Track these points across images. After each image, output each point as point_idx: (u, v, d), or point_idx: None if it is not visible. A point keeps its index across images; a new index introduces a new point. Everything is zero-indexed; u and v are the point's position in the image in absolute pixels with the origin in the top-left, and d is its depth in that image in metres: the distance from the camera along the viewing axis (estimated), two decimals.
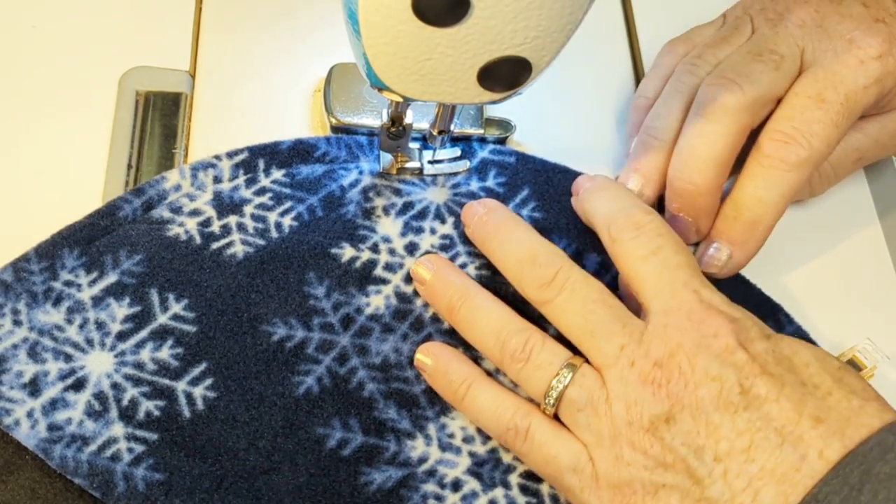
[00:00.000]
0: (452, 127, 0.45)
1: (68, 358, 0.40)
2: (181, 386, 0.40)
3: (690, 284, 0.39)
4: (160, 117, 0.48)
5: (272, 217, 0.44)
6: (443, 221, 0.45)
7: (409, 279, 0.44)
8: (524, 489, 0.41)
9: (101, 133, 0.47)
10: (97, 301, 0.41)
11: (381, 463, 0.40)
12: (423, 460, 0.40)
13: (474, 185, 0.46)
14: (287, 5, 0.53)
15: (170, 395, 0.40)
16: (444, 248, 0.44)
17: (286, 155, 0.46)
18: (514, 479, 0.41)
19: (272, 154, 0.46)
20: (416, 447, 0.41)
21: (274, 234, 0.44)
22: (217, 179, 0.45)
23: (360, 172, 0.46)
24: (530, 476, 0.41)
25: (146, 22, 0.51)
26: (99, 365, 0.40)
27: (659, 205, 0.46)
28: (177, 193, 0.44)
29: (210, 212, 0.44)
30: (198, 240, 0.43)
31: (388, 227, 0.45)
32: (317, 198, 0.45)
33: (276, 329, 0.42)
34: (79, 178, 0.46)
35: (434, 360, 0.41)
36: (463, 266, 0.44)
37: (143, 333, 0.41)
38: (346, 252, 0.44)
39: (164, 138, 0.48)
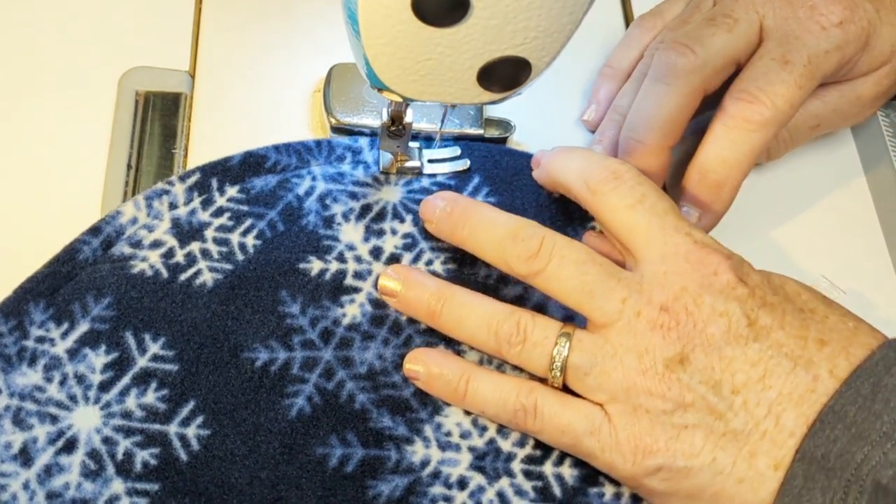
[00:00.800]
0: (451, 127, 0.45)
1: (54, 419, 0.39)
2: (173, 429, 0.40)
3: (681, 228, 0.39)
4: (160, 117, 0.48)
5: (234, 238, 0.44)
6: (402, 220, 0.45)
7: None
8: (528, 474, 0.41)
9: (101, 133, 0.47)
10: (73, 353, 0.40)
11: (385, 473, 0.40)
12: (425, 463, 0.40)
13: (425, 181, 0.46)
14: (287, 5, 0.53)
15: (163, 440, 0.39)
16: (407, 247, 0.44)
17: (238, 170, 0.45)
18: (516, 466, 0.41)
19: (224, 171, 0.45)
20: (417, 451, 0.40)
21: (239, 256, 0.43)
22: (172, 206, 0.44)
23: (314, 178, 0.45)
24: (532, 460, 0.41)
25: (146, 22, 0.51)
26: (86, 421, 0.39)
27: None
28: (134, 227, 0.43)
29: (171, 241, 0.43)
30: (164, 273, 0.42)
31: (351, 233, 0.44)
32: (275, 211, 0.44)
33: (258, 354, 0.41)
34: (78, 179, 0.46)
35: (424, 365, 0.41)
36: (429, 263, 0.44)
37: (126, 380, 0.40)
38: (314, 265, 0.43)
39: (164, 138, 0.48)
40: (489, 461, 0.41)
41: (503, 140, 0.49)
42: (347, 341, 0.42)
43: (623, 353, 0.38)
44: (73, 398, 0.40)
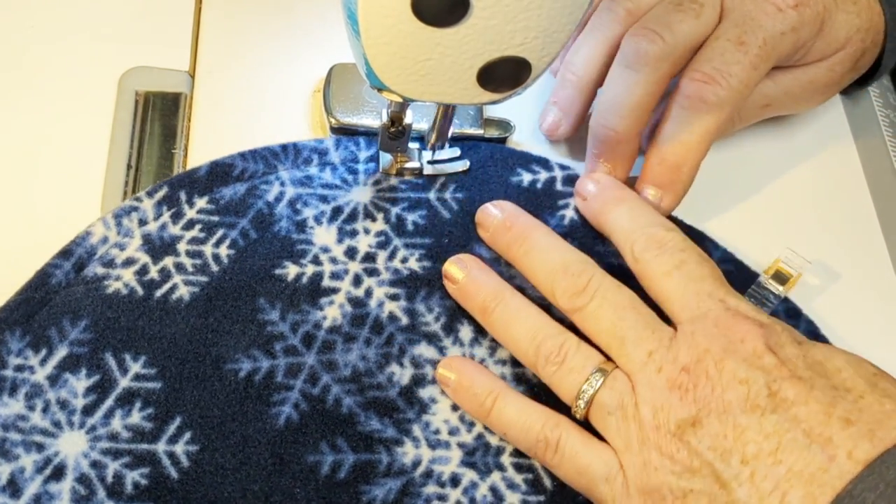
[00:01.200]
0: (452, 127, 0.45)
1: (40, 447, 0.39)
2: (161, 447, 0.39)
3: (715, 294, 0.39)
4: (160, 117, 0.48)
5: (208, 250, 0.43)
6: (373, 219, 0.45)
7: (357, 283, 0.43)
8: (518, 467, 0.41)
9: (101, 133, 0.47)
10: (54, 380, 0.40)
11: (378, 477, 0.40)
12: (416, 464, 0.40)
13: (394, 181, 0.46)
14: (287, 5, 0.53)
15: (152, 459, 0.39)
16: (381, 245, 0.44)
17: (206, 180, 0.45)
18: (506, 460, 0.41)
19: (191, 183, 0.45)
20: (407, 452, 0.40)
21: (214, 267, 0.43)
22: (142, 222, 0.44)
23: (282, 184, 0.45)
24: (520, 453, 0.41)
25: (146, 22, 0.51)
26: (73, 446, 0.39)
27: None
28: (105, 246, 0.43)
29: (144, 258, 0.43)
30: (140, 291, 0.42)
31: (324, 236, 0.44)
32: (246, 220, 0.44)
33: (241, 364, 0.41)
34: (78, 179, 0.46)
35: (458, 374, 0.41)
36: (404, 260, 0.44)
37: (109, 402, 0.40)
38: (290, 270, 0.43)
39: (164, 138, 0.48)
40: (479, 456, 0.41)
41: (503, 140, 0.49)
42: (330, 344, 0.42)
43: (642, 404, 0.37)
44: (57, 424, 0.39)
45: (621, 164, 0.46)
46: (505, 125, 0.49)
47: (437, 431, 0.41)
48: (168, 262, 0.43)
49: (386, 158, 0.47)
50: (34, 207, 0.45)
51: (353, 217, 0.45)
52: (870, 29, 0.47)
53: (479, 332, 0.43)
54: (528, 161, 0.48)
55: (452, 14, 0.34)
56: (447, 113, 0.45)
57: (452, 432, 0.41)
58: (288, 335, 0.42)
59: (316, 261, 0.44)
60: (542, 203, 0.46)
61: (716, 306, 0.38)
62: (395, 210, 0.45)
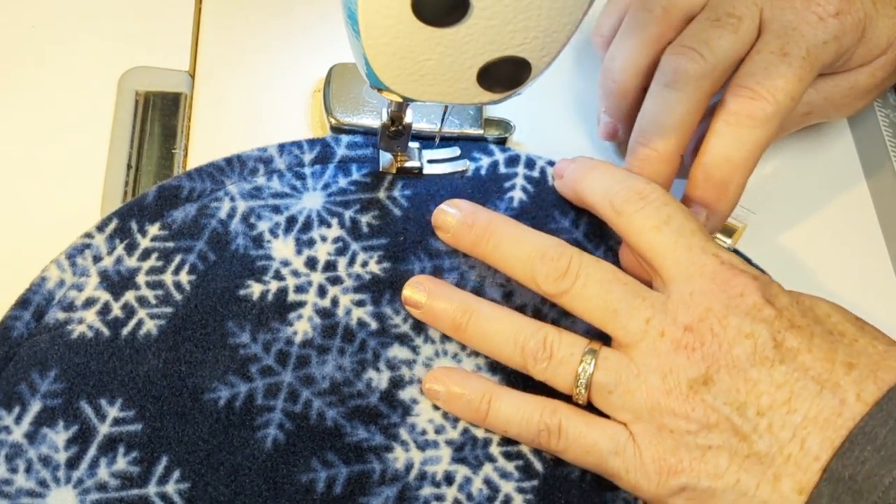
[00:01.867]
0: (451, 127, 0.45)
1: None
2: (152, 489, 0.38)
3: (708, 249, 0.39)
4: (160, 117, 0.48)
5: (168, 278, 0.42)
6: (328, 226, 0.45)
7: (322, 293, 0.43)
8: (507, 455, 0.41)
9: (101, 133, 0.47)
10: (32, 437, 0.38)
11: (373, 486, 0.39)
12: (409, 467, 0.40)
13: (343, 182, 0.46)
14: (287, 5, 0.53)
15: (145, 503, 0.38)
16: (340, 251, 0.44)
17: (154, 206, 0.44)
18: (495, 450, 0.41)
19: (141, 210, 0.44)
20: (398, 457, 0.40)
21: (177, 296, 0.42)
22: (97, 258, 0.42)
23: (232, 199, 0.44)
24: (508, 441, 0.41)
25: (146, 22, 0.51)
26: (63, 503, 0.38)
27: None
28: (63, 289, 0.42)
29: (104, 296, 0.42)
30: (105, 332, 0.41)
31: (282, 249, 0.44)
32: (202, 241, 0.43)
33: (219, 392, 0.40)
34: (78, 179, 0.46)
35: (445, 385, 0.41)
36: (364, 264, 0.44)
37: (92, 451, 0.39)
38: (255, 289, 0.43)
39: (164, 138, 0.48)
40: (468, 451, 0.41)
41: (503, 140, 0.49)
42: (304, 359, 0.42)
43: (647, 372, 0.37)
44: (43, 483, 0.38)
45: (661, 185, 0.44)
46: (505, 125, 0.49)
47: (423, 432, 0.41)
48: (129, 296, 0.42)
49: (386, 158, 0.47)
50: (34, 208, 0.45)
51: (308, 226, 0.44)
52: None
53: None
54: (468, 150, 0.48)
55: (452, 14, 0.34)
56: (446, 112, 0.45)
57: (439, 430, 0.41)
58: (262, 356, 0.41)
59: (278, 276, 0.43)
60: (488, 189, 0.46)
61: (710, 261, 0.38)
62: (348, 213, 0.45)
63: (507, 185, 0.47)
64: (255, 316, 0.42)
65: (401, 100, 0.40)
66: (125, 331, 0.41)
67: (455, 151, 0.48)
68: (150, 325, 0.41)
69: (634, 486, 0.38)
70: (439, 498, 0.40)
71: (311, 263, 0.44)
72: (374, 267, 0.44)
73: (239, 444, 0.39)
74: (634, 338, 0.38)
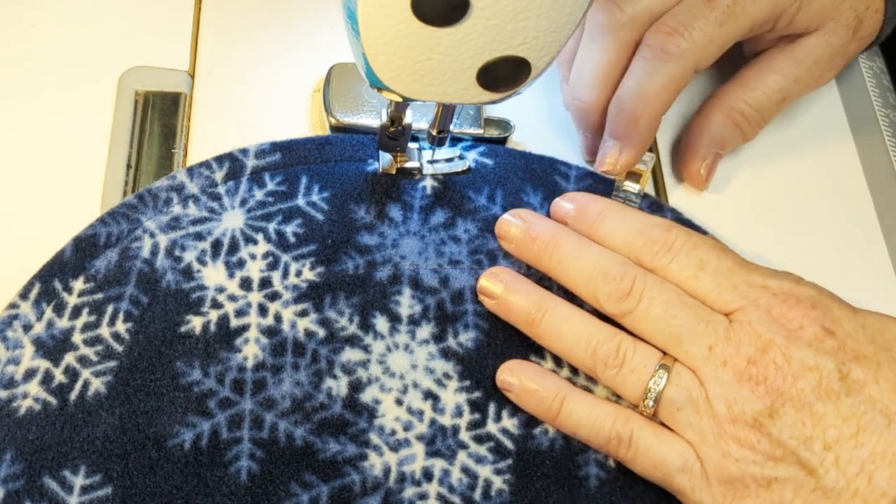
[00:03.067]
0: (452, 127, 0.45)
1: None
2: None
3: (754, 281, 0.39)
4: (159, 117, 0.48)
5: (105, 331, 0.41)
6: (255, 243, 0.44)
7: (263, 312, 0.42)
8: (478, 439, 0.41)
9: (101, 133, 0.47)
10: None
11: (357, 499, 0.39)
12: (387, 472, 0.40)
13: (259, 195, 0.45)
14: (286, 5, 0.52)
15: None
16: (271, 266, 0.43)
17: (74, 260, 0.42)
18: (465, 436, 0.41)
19: (61, 268, 0.42)
20: (374, 464, 0.40)
21: (118, 347, 0.41)
22: (27, 327, 0.41)
23: (152, 235, 0.43)
24: (475, 425, 0.41)
25: (146, 22, 0.51)
26: None
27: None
28: None
29: (43, 364, 0.40)
30: (53, 401, 0.39)
31: (214, 276, 0.43)
32: (131, 286, 0.42)
33: (183, 436, 0.39)
34: (78, 178, 0.46)
35: (519, 379, 0.41)
36: (298, 273, 0.43)
37: None
38: (195, 323, 0.42)
39: (164, 138, 0.48)
40: (440, 442, 0.41)
41: (503, 140, 0.49)
42: (261, 383, 0.41)
43: (713, 398, 0.37)
44: None
45: (597, 135, 0.46)
46: (505, 125, 0.49)
47: (393, 432, 0.41)
48: (69, 359, 0.40)
49: (385, 158, 0.47)
50: (34, 207, 0.45)
51: (234, 247, 0.44)
52: None
53: (395, 319, 0.43)
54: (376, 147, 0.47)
55: (452, 14, 0.34)
56: (447, 111, 0.45)
57: (407, 427, 0.41)
58: (217, 388, 0.41)
59: (216, 304, 0.42)
60: (400, 183, 0.46)
61: (759, 294, 0.38)
62: (272, 226, 0.44)
63: (419, 177, 0.47)
64: (201, 350, 0.41)
65: (400, 99, 0.40)
66: (73, 395, 0.40)
67: (455, 151, 0.47)
68: (98, 384, 0.40)
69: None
70: (422, 496, 0.40)
71: (246, 284, 0.43)
72: (308, 274, 0.43)
73: (214, 484, 0.39)
74: (697, 363, 0.38)
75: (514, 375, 0.41)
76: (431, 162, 0.47)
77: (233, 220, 0.44)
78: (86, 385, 0.40)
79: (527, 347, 0.42)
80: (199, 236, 0.44)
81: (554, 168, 0.47)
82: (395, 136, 0.45)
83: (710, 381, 0.37)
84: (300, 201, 0.45)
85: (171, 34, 0.51)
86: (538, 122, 0.50)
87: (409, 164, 0.47)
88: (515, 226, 0.43)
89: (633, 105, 0.44)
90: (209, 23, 0.51)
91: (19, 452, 0.38)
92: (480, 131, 0.48)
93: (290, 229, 0.44)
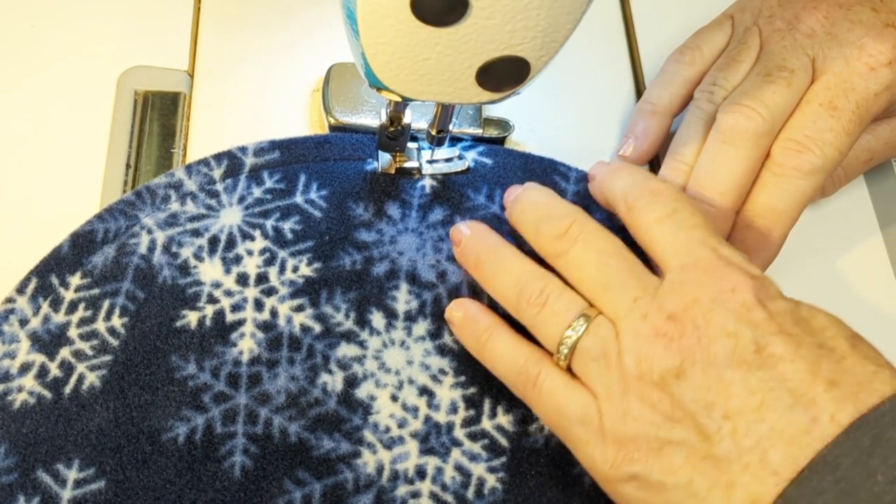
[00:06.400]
0: (451, 127, 0.45)
1: None
2: None
3: (708, 242, 0.38)
4: (159, 117, 0.48)
5: (100, 326, 0.41)
6: (252, 239, 0.44)
7: (259, 307, 0.42)
8: (472, 437, 0.41)
9: (100, 133, 0.47)
10: None
11: (349, 497, 0.39)
12: (381, 470, 0.40)
13: (257, 192, 0.45)
14: (286, 5, 0.52)
15: None
16: (268, 262, 0.43)
17: (71, 256, 0.42)
18: (459, 434, 0.41)
19: (58, 263, 0.42)
20: (368, 462, 0.40)
21: (113, 342, 0.41)
22: (23, 322, 0.41)
23: (150, 231, 0.43)
24: (469, 422, 0.41)
25: (145, 22, 0.51)
26: None
27: None
28: None
29: (39, 358, 0.40)
30: (48, 395, 0.39)
31: (210, 272, 0.43)
32: (128, 281, 0.42)
33: (177, 430, 0.39)
34: (77, 178, 0.46)
35: (463, 311, 0.42)
36: (295, 269, 0.43)
37: None
38: (191, 318, 0.42)
39: (163, 138, 0.48)
40: (434, 439, 0.41)
41: (502, 140, 0.49)
42: (256, 377, 0.41)
43: (625, 352, 0.37)
44: None
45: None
46: (504, 125, 0.49)
47: (387, 430, 0.41)
48: (65, 353, 0.40)
49: (385, 158, 0.47)
50: (33, 207, 0.45)
51: (231, 243, 0.44)
52: None
53: (391, 315, 0.43)
54: (370, 145, 0.47)
55: (452, 14, 0.34)
56: (446, 111, 0.45)
57: (401, 424, 0.41)
58: (212, 383, 0.40)
59: (212, 299, 0.42)
60: (399, 182, 0.46)
61: (707, 254, 0.38)
62: (269, 223, 0.44)
63: (417, 176, 0.47)
64: (197, 344, 0.41)
65: (400, 99, 0.40)
66: (67, 389, 0.40)
67: (454, 151, 0.47)
68: (92, 378, 0.40)
69: (590, 460, 0.37)
70: (415, 495, 0.40)
71: (243, 280, 0.43)
72: (305, 270, 0.43)
73: (208, 479, 0.39)
74: (619, 313, 0.38)
75: (459, 310, 0.42)
76: (430, 162, 0.47)
77: (230, 217, 0.44)
78: (81, 379, 0.40)
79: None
80: (196, 233, 0.44)
81: (554, 169, 0.48)
82: (394, 135, 0.45)
83: (627, 334, 0.37)
84: (298, 199, 0.45)
85: (170, 34, 0.51)
86: (538, 122, 0.50)
87: (408, 164, 0.47)
88: (509, 197, 0.44)
89: (766, 221, 0.44)
90: (208, 23, 0.51)
91: (13, 446, 0.39)
92: (480, 131, 0.48)
93: (287, 226, 0.44)
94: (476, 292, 0.44)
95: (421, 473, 0.40)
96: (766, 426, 0.34)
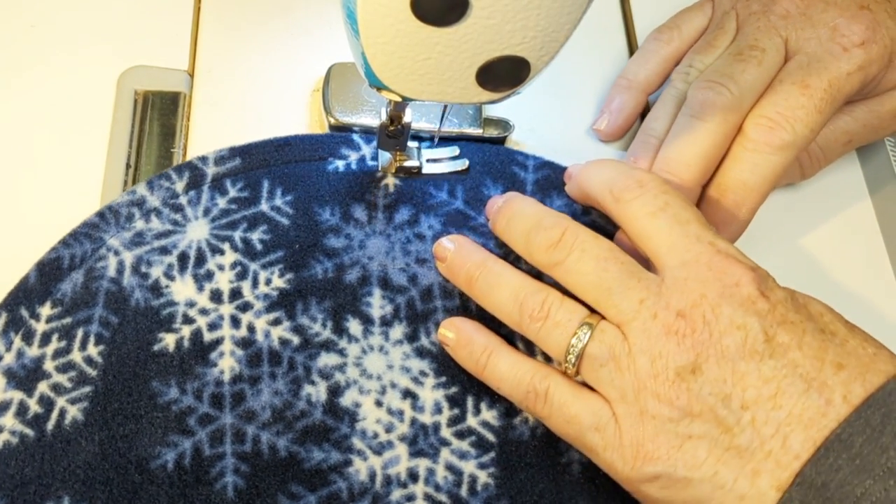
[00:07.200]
0: (450, 127, 0.45)
1: None
2: None
3: (704, 237, 0.39)
4: (159, 117, 0.48)
5: (77, 357, 0.40)
6: (221, 253, 0.43)
7: (236, 324, 0.42)
8: (460, 435, 0.41)
9: (100, 132, 0.47)
10: None
11: None
12: (373, 476, 0.40)
13: (222, 203, 0.44)
14: (286, 5, 0.53)
15: None
16: (240, 276, 0.43)
17: (39, 285, 0.42)
18: (446, 433, 0.41)
19: (26, 295, 0.41)
20: (360, 469, 0.40)
21: (91, 372, 0.40)
22: None
23: (116, 252, 0.42)
24: (455, 420, 0.41)
25: (145, 21, 0.51)
26: None
27: None
28: None
29: (16, 395, 0.39)
30: (30, 433, 0.39)
31: (183, 290, 0.42)
32: (99, 307, 0.41)
33: (165, 456, 0.39)
34: (77, 178, 0.46)
35: (456, 333, 0.42)
36: (268, 282, 0.43)
37: None
38: (168, 340, 0.41)
39: (163, 138, 0.48)
40: (422, 441, 0.41)
41: (502, 140, 0.49)
42: (239, 395, 0.40)
43: (637, 353, 0.37)
44: None
45: None
46: (504, 124, 0.49)
47: (375, 435, 0.41)
48: (43, 388, 0.39)
49: (385, 157, 0.47)
50: (33, 207, 0.45)
51: (201, 259, 0.43)
52: None
53: (367, 322, 0.43)
54: (337, 145, 0.47)
55: (452, 13, 0.34)
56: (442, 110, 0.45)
57: (388, 429, 0.41)
58: (196, 405, 0.40)
59: (187, 319, 0.42)
60: (362, 181, 0.46)
61: (706, 249, 0.38)
62: (237, 235, 0.44)
63: (379, 174, 0.47)
64: (176, 367, 0.41)
65: (400, 99, 0.40)
66: (50, 425, 0.39)
67: (454, 151, 0.48)
68: (74, 411, 0.39)
69: (609, 465, 0.38)
70: (410, 498, 0.40)
71: (216, 296, 0.42)
72: (278, 282, 0.43)
73: (201, 503, 0.38)
74: (627, 317, 0.38)
75: (451, 330, 0.42)
76: (430, 161, 0.47)
77: (197, 231, 0.44)
78: (62, 413, 0.39)
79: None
80: (164, 250, 0.43)
81: (512, 159, 0.47)
82: (394, 135, 0.45)
83: (637, 334, 0.37)
84: (264, 206, 0.45)
85: (170, 34, 0.51)
86: (538, 122, 0.50)
87: (408, 163, 0.47)
88: (496, 204, 0.44)
89: (736, 195, 0.44)
90: (208, 22, 0.51)
91: (0, 489, 0.38)
92: (480, 131, 0.48)
93: (256, 236, 0.44)
94: (448, 293, 0.44)
95: (413, 476, 0.40)
96: (783, 413, 0.35)
